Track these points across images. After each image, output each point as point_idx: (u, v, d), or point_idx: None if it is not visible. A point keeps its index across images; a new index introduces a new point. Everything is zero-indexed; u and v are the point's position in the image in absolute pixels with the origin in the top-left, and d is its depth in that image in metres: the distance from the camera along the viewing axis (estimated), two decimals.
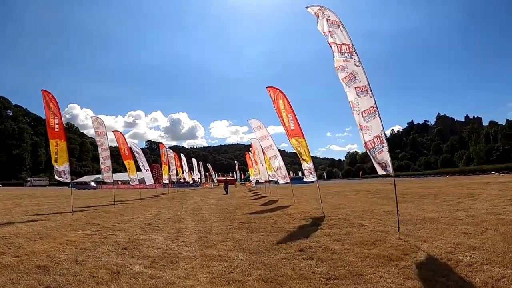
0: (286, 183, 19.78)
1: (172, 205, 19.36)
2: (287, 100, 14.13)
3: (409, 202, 16.00)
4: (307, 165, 14.03)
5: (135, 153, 30.57)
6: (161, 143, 42.26)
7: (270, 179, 26.77)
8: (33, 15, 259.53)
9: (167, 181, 39.00)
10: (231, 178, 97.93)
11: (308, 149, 13.68)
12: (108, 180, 21.01)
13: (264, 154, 25.20)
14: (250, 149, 41.36)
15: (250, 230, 9.36)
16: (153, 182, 31.82)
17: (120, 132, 27.48)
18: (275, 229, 9.54)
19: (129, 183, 63.65)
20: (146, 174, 30.49)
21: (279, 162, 19.23)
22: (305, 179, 14.37)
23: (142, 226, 10.67)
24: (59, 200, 25.69)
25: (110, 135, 29.00)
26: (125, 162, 26.73)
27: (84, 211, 16.31)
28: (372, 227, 9.46)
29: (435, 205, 14.38)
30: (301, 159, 14.20)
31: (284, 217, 12.15)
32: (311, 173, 13.78)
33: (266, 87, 14.84)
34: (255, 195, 29.01)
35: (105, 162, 21.02)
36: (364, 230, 9.00)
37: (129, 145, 30.78)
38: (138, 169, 30.69)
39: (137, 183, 26.40)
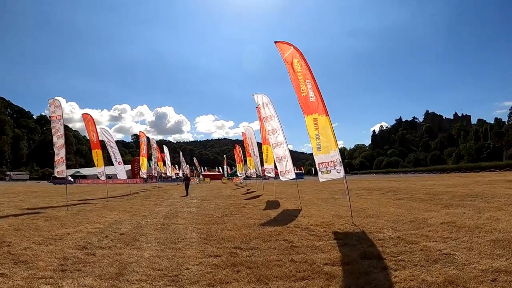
0: (292, 179, 15.32)
1: (141, 208, 14.88)
2: (305, 62, 9.80)
3: (458, 207, 11.98)
4: (323, 157, 9.72)
5: (106, 142, 25.89)
6: (141, 131, 37.28)
7: (267, 174, 21.89)
8: (19, 9, 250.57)
9: (145, 176, 34.25)
10: (218, 173, 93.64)
11: (333, 131, 9.36)
12: (62, 175, 16.39)
13: (263, 143, 20.59)
14: (241, 140, 36.69)
15: (256, 274, 4.97)
16: (126, 177, 27.12)
17: (90, 115, 22.45)
18: (302, 269, 5.19)
19: (110, 178, 58.73)
20: (118, 167, 25.74)
21: (284, 151, 14.79)
22: (322, 178, 9.91)
23: (67, 255, 6.26)
24: (13, 198, 21.08)
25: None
26: (93, 152, 21.93)
27: (17, 217, 11.90)
28: (471, 259, 5.50)
29: (502, 211, 10.39)
30: (315, 149, 9.90)
31: (302, 235, 7.82)
32: (335, 166, 9.42)
33: (275, 42, 10.55)
34: (247, 193, 24.54)
35: (59, 152, 16.39)
36: (471, 270, 4.88)
37: (105, 136, 26.18)
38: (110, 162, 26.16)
39: (104, 178, 21.73)
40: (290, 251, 6.33)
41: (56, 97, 16.30)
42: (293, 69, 9.99)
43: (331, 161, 9.46)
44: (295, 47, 10.02)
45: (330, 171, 9.50)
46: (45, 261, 5.88)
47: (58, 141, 16.57)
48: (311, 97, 9.65)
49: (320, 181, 10.01)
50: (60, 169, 16.45)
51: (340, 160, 9.35)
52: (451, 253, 5.89)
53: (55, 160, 16.66)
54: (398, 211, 11.56)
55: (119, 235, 8.15)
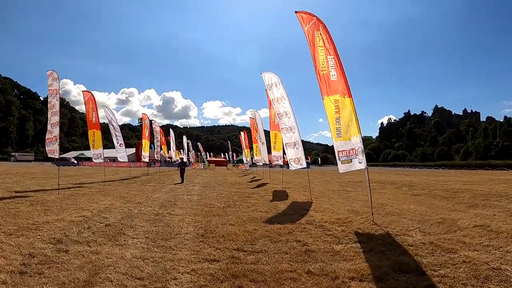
0: (302, 168, 14.01)
1: (138, 194, 13.80)
2: (329, 35, 8.51)
3: (485, 207, 10.80)
4: (343, 144, 8.49)
5: (109, 121, 24.77)
6: (144, 113, 36.11)
7: (274, 161, 20.39)
8: None
9: (146, 159, 33.21)
10: (223, 159, 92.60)
11: (356, 115, 8.13)
12: (53, 155, 15.29)
13: (271, 129, 19.08)
14: (248, 127, 35.31)
15: None
16: (127, 160, 26.13)
17: (91, 94, 21.12)
18: (323, 285, 4.03)
19: (114, 161, 57.95)
20: (119, 150, 24.73)
21: (295, 136, 13.53)
22: (341, 168, 8.60)
23: (35, 251, 5.20)
24: (8, 180, 20.22)
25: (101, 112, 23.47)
26: (90, 132, 20.65)
27: (1, 200, 10.94)
28: None
29: None
30: (335, 135, 8.66)
31: (316, 235, 6.65)
32: (356, 155, 8.20)
33: (296, 12, 9.20)
34: (252, 182, 23.47)
35: (53, 130, 15.26)
36: None
37: (108, 117, 25.05)
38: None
39: (101, 160, 20.66)
40: (305, 257, 5.17)
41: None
42: (314, 44, 8.71)
43: (352, 149, 8.23)
44: (318, 19, 8.69)
45: (351, 161, 8.29)
46: (6, 258, 4.80)
47: (53, 118, 15.44)
48: (332, 75, 8.38)
49: (340, 171, 8.76)
50: (52, 148, 15.34)
51: (362, 148, 8.13)
52: (501, 267, 4.76)
53: (47, 138, 15.55)
54: (420, 209, 10.40)
55: (104, 226, 7.04)
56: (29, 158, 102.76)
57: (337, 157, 8.67)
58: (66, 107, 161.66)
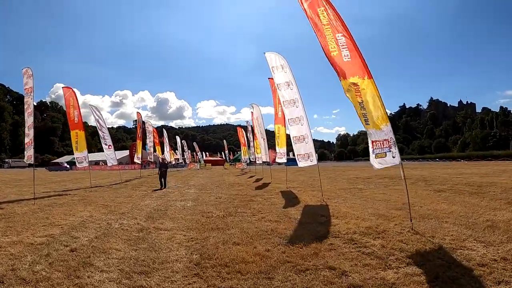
0: (312, 165, 12.27)
1: (124, 201, 12.06)
2: (334, 10, 6.85)
3: None
4: (375, 133, 6.84)
5: (97, 123, 23.11)
6: (139, 112, 34.53)
7: (278, 159, 18.20)
8: None
9: (139, 161, 31.51)
10: (220, 158, 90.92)
11: (380, 98, 6.48)
12: (30, 161, 13.57)
13: (276, 121, 16.91)
14: (243, 126, 33.60)
15: None
16: (116, 163, 24.40)
17: (72, 89, 19.48)
18: None
19: (105, 163, 56.09)
20: (108, 152, 22.95)
21: (304, 130, 11.86)
22: (375, 163, 6.85)
23: None
24: None
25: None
26: (72, 133, 18.92)
27: None
28: None
29: None
30: (364, 122, 6.98)
31: (352, 256, 4.94)
32: (390, 147, 6.53)
33: None
34: (253, 181, 21.75)
35: (30, 133, 13.58)
36: None
37: (96, 117, 23.35)
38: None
39: (86, 164, 18.86)
40: None
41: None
42: (318, 23, 7.05)
43: (386, 140, 6.57)
44: None
45: (385, 154, 6.63)
46: None
47: (29, 119, 13.74)
48: (344, 56, 6.74)
49: (376, 167, 7.02)
50: (29, 154, 13.68)
51: (395, 140, 6.49)
52: None
53: (26, 142, 13.90)
54: (455, 209, 8.82)
55: (68, 252, 5.31)
56: (23, 164, 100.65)
57: (370, 149, 7.01)
58: (59, 111, 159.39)
